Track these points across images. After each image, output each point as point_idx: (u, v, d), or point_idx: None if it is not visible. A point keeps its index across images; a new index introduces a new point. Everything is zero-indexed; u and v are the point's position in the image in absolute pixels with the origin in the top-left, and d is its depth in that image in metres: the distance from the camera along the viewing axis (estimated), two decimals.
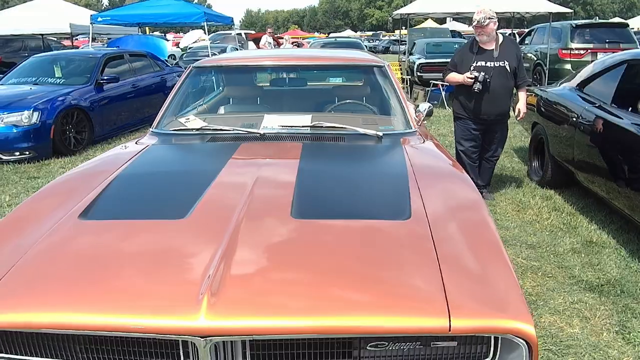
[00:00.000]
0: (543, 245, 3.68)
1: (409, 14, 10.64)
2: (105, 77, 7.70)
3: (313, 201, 1.91)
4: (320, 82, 3.94)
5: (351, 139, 2.66)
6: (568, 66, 10.51)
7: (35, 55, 8.49)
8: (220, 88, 3.74)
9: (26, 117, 6.30)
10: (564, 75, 10.60)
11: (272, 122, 2.85)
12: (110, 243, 1.66)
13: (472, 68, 4.25)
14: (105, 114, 7.65)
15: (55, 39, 19.18)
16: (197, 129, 2.82)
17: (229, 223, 1.69)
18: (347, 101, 3.26)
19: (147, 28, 28.47)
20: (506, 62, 4.26)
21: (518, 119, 4.55)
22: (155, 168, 2.37)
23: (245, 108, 3.47)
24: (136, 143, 2.76)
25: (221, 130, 2.77)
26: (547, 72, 10.38)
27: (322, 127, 2.74)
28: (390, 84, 3.16)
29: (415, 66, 11.12)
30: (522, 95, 4.50)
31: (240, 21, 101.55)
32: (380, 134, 2.69)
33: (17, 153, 6.30)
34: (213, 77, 3.69)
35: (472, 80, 4.20)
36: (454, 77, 4.39)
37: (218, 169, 2.16)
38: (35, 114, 6.36)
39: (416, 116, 3.09)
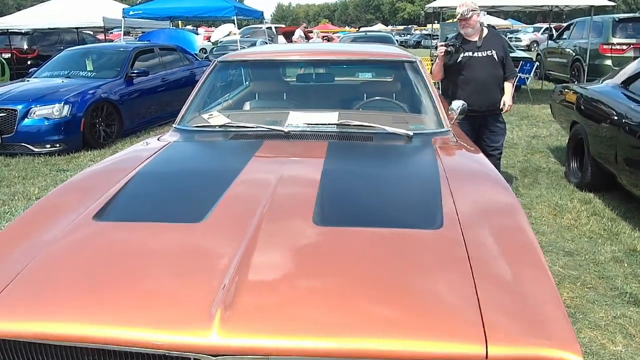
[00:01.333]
0: (582, 252, 3.48)
1: (442, 7, 10.35)
2: (135, 71, 7.73)
3: (337, 206, 1.79)
4: (348, 77, 3.80)
5: (380, 139, 2.53)
6: (609, 62, 10.09)
7: (68, 49, 8.61)
8: (246, 83, 3.65)
9: (57, 110, 6.36)
10: (604, 72, 10.21)
11: (298, 120, 2.74)
12: (121, 248, 1.58)
13: (459, 59, 4.15)
14: (135, 108, 7.69)
15: (92, 33, 19.48)
16: (220, 126, 2.74)
17: (247, 229, 1.59)
18: (376, 98, 3.12)
19: (179, 22, 28.83)
20: (493, 51, 4.17)
21: (504, 111, 4.35)
22: (174, 167, 2.29)
23: (271, 104, 3.37)
24: (158, 139, 2.69)
25: (244, 127, 2.67)
26: (586, 68, 9.96)
27: (349, 125, 2.62)
28: (422, 80, 3.00)
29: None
30: (508, 87, 4.34)
31: (271, 15, 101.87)
32: (411, 133, 2.54)
33: (48, 145, 6.38)
34: (238, 72, 3.61)
35: (444, 50, 4.14)
36: (435, 67, 4.32)
37: (239, 169, 2.07)
38: (66, 107, 6.43)
39: (448, 115, 2.93)
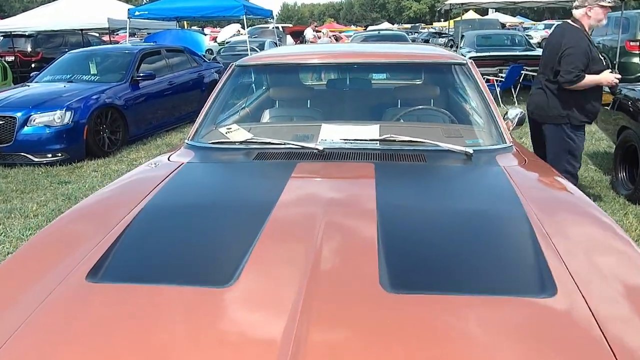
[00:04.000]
0: None
1: (463, 4, 9.91)
2: (141, 74, 7.34)
3: (407, 261, 1.36)
4: (386, 82, 3.32)
5: (433, 158, 2.10)
6: (636, 59, 9.61)
7: (71, 52, 8.23)
8: (268, 90, 3.22)
9: (59, 117, 5.98)
10: (632, 70, 9.74)
11: (332, 134, 2.32)
12: (120, 325, 1.16)
13: (604, 63, 3.51)
14: (141, 113, 7.30)
15: (98, 34, 19.13)
16: (242, 142, 2.32)
17: (290, 300, 1.17)
18: (422, 107, 2.68)
19: (185, 22, 28.44)
20: None
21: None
22: (188, 199, 1.86)
23: (298, 115, 2.93)
24: (169, 159, 2.28)
25: (271, 144, 2.25)
26: (615, 65, 9.46)
27: (394, 141, 2.19)
28: (475, 85, 2.57)
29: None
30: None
31: (277, 14, 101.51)
32: (471, 150, 2.12)
33: (49, 155, 5.99)
34: (259, 78, 3.17)
35: (618, 80, 3.50)
36: (592, 79, 3.40)
37: (271, 204, 1.65)
38: (68, 114, 6.04)
39: (502, 122, 2.49)
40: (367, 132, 2.29)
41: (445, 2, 10.58)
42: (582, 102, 3.51)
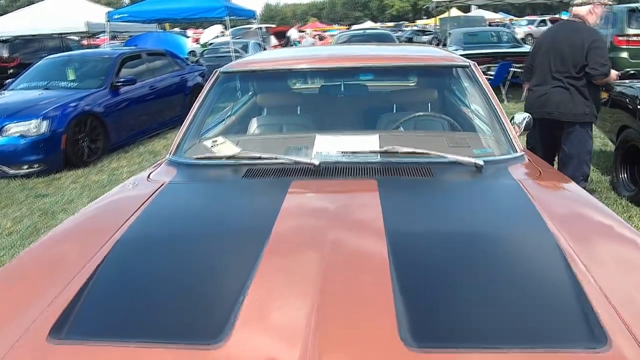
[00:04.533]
0: None
1: (450, 1, 9.76)
2: (122, 80, 7.07)
3: (430, 305, 1.16)
4: (383, 87, 3.10)
5: (441, 171, 1.91)
6: (625, 54, 9.54)
7: (47, 57, 7.91)
8: (256, 98, 2.99)
9: (35, 127, 5.69)
10: (621, 65, 9.67)
11: (327, 146, 2.11)
12: None
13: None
14: (122, 120, 7.03)
15: (78, 38, 18.66)
16: (229, 157, 2.11)
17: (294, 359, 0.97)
18: (422, 113, 2.49)
19: (166, 25, 27.97)
20: None
21: None
22: (170, 229, 1.64)
23: (289, 125, 2.71)
24: (148, 178, 2.06)
25: (261, 158, 2.04)
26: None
27: (397, 153, 2.00)
28: (480, 89, 2.39)
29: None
30: None
31: (260, 14, 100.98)
32: (481, 162, 1.93)
33: (25, 167, 5.71)
34: (246, 85, 2.95)
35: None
36: (613, 73, 3.60)
37: (264, 234, 1.44)
38: (45, 123, 5.75)
39: (511, 129, 2.31)
40: (367, 143, 2.09)
41: (433, 0, 10.43)
42: (597, 99, 3.54)
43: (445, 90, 2.73)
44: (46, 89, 6.76)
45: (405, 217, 1.57)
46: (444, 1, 9.72)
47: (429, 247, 1.41)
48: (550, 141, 3.73)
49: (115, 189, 2.06)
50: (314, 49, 3.27)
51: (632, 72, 9.45)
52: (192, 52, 20.48)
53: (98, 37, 20.63)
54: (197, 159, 2.16)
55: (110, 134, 6.71)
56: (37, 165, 5.73)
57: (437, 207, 1.69)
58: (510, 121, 2.42)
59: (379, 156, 2.02)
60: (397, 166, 1.95)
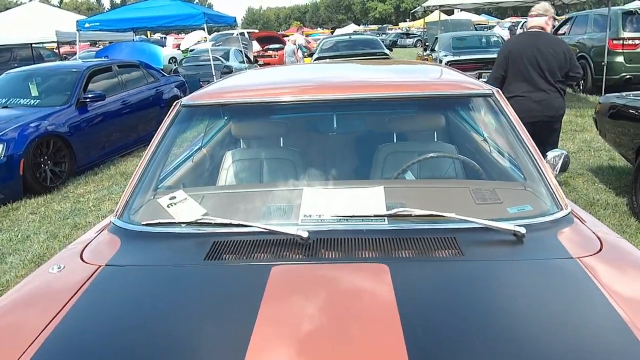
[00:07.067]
0: None
1: (440, 5, 9.35)
2: (89, 95, 6.51)
3: None
4: (381, 123, 2.50)
5: (469, 243, 1.43)
6: (620, 58, 9.20)
7: (8, 72, 7.28)
8: (226, 135, 2.47)
9: None
10: (617, 69, 9.35)
11: (318, 206, 1.62)
12: None
13: None
14: (91, 139, 6.48)
15: (55, 47, 17.88)
16: (189, 224, 1.60)
17: None
18: (436, 155, 1.99)
19: (147, 32, 27.28)
20: None
21: None
22: (93, 351, 1.12)
23: (270, 171, 2.18)
24: (82, 257, 1.54)
25: (231, 225, 1.54)
26: (604, 66, 9.00)
27: (410, 216, 1.51)
28: (508, 122, 1.91)
29: (444, 65, 9.83)
30: None
31: (242, 19, 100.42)
32: (522, 230, 1.44)
33: None
34: (213, 120, 2.43)
35: None
36: None
37: None
38: (0, 147, 5.17)
39: (550, 175, 1.82)
40: (369, 202, 1.60)
41: (421, 5, 10.01)
42: None
43: (462, 124, 2.25)
44: (4, 107, 6.18)
45: (435, 336, 1.08)
46: (434, 5, 9.31)
47: None
48: (537, 143, 3.80)
49: (36, 272, 1.54)
50: (297, 71, 2.73)
51: (627, 76, 9.25)
52: (174, 59, 19.89)
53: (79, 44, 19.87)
54: (149, 224, 1.64)
55: (77, 155, 6.13)
56: None
57: (477, 312, 1.19)
58: (544, 158, 1.94)
59: (386, 222, 1.53)
60: (410, 236, 1.46)
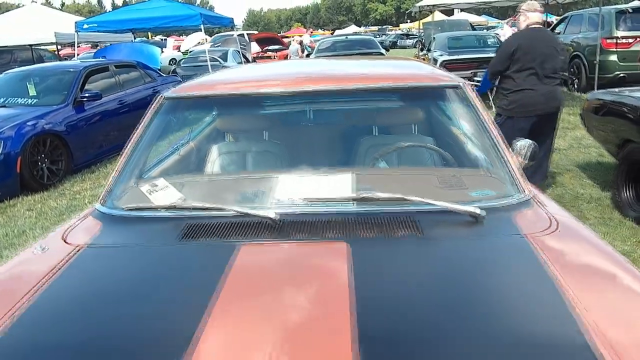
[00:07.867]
0: None
1: (434, 5, 9.44)
2: (86, 94, 6.59)
3: None
4: (360, 113, 2.63)
5: (430, 223, 1.51)
6: (614, 57, 9.28)
7: (7, 72, 7.39)
8: (209, 127, 2.56)
9: None
10: (611, 68, 9.43)
11: (291, 191, 1.70)
12: None
13: None
14: (88, 137, 6.56)
15: (56, 49, 18.01)
16: (168, 208, 1.69)
17: None
18: (406, 144, 2.07)
19: (148, 33, 27.41)
20: None
21: None
22: (58, 333, 1.20)
23: (252, 161, 2.27)
24: (65, 238, 1.63)
25: (206, 209, 1.63)
26: (596, 65, 9.07)
27: (375, 199, 1.59)
28: (474, 113, 1.99)
29: (438, 64, 9.91)
30: None
31: (243, 21, 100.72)
32: (481, 212, 1.52)
33: None
34: (197, 112, 2.52)
35: None
36: None
37: (191, 332, 1.03)
38: None
39: (513, 162, 1.90)
40: (337, 187, 1.68)
41: (415, 5, 10.10)
42: None
43: (432, 115, 2.33)
44: (2, 106, 6.27)
45: (382, 309, 1.16)
46: (428, 5, 9.40)
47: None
48: (537, 133, 3.91)
49: (21, 254, 1.63)
50: (278, 66, 2.82)
51: (621, 75, 9.32)
52: (174, 60, 20.02)
53: (79, 46, 19.99)
54: (130, 209, 1.73)
55: (74, 153, 6.22)
56: None
57: (428, 287, 1.27)
58: (511, 149, 2.02)
59: (353, 205, 1.61)
60: (374, 217, 1.54)
